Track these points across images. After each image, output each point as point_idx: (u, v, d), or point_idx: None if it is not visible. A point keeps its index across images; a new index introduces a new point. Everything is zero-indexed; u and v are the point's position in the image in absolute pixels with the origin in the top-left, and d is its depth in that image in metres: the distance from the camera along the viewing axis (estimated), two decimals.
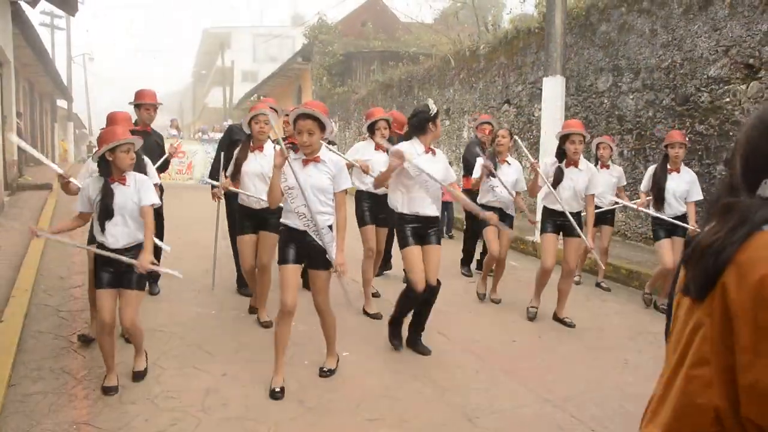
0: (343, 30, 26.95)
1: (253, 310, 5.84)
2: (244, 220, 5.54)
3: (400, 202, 4.90)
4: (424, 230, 4.88)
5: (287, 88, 31.33)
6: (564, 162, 5.75)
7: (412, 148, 4.83)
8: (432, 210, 4.88)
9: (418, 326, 5.03)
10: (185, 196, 13.50)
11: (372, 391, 4.26)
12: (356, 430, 3.71)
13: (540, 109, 9.88)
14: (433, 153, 4.94)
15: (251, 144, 5.55)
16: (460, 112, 14.48)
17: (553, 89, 8.84)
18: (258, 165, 5.44)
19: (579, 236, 5.68)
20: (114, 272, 4.10)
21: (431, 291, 4.87)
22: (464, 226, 8.30)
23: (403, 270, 5.06)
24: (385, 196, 5.36)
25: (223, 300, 6.27)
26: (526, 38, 12.05)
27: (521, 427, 3.81)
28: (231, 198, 6.00)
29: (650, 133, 9.05)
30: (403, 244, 4.87)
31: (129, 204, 4.10)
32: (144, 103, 6.12)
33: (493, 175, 6.28)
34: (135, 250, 4.13)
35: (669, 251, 6.12)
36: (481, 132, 7.82)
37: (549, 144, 8.38)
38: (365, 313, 5.97)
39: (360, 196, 6.21)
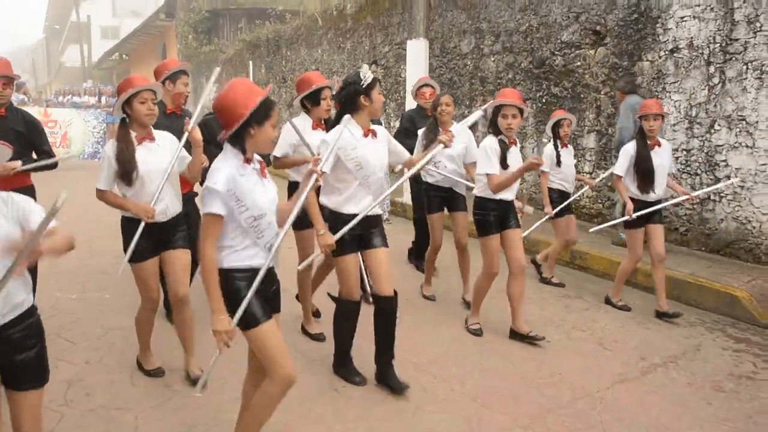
0: None
1: None
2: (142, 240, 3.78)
3: (333, 201, 3.93)
4: (366, 231, 3.95)
5: (151, 46, 29.73)
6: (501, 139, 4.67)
7: (347, 132, 3.71)
8: (375, 208, 3.94)
9: (384, 353, 3.98)
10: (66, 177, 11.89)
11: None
12: (220, 410, 3.66)
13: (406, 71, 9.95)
14: (374, 135, 3.92)
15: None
16: (329, 72, 14.33)
17: (417, 51, 8.92)
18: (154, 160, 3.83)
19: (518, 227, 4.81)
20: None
21: (387, 303, 3.92)
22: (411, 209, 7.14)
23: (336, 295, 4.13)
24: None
25: (86, 282, 5.94)
26: None
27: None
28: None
29: None
30: (338, 252, 3.87)
31: None
32: None
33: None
34: None
35: (641, 242, 5.49)
36: (421, 97, 6.44)
37: (413, 105, 8.46)
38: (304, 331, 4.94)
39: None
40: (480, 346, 4.74)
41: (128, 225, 3.80)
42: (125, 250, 3.75)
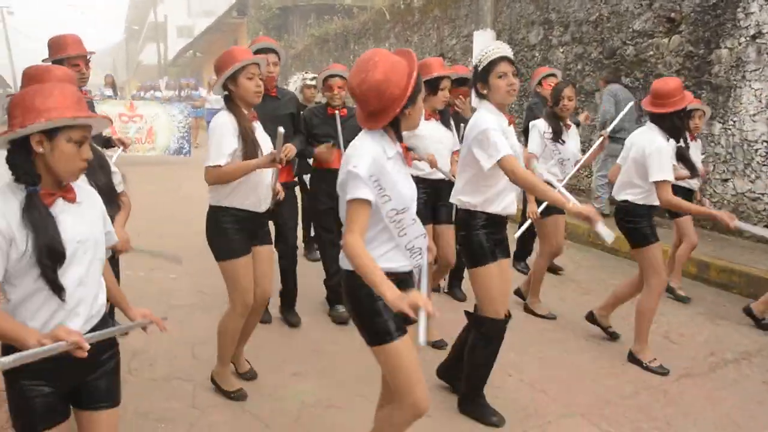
0: None
1: None
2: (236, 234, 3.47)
3: (478, 199, 3.34)
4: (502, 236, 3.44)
5: (223, 43, 30.45)
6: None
7: (495, 118, 3.23)
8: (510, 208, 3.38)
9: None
10: (153, 174, 11.45)
11: (299, 347, 4.25)
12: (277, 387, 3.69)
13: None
14: (512, 123, 3.43)
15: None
16: None
17: (484, 43, 8.79)
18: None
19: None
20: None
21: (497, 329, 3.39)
22: None
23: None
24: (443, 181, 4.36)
25: (153, 262, 6.10)
26: None
27: None
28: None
29: (579, 86, 9.13)
30: (479, 260, 3.33)
31: None
32: (69, 56, 3.82)
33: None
34: None
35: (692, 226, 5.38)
36: (548, 88, 5.92)
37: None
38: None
39: None
40: (540, 335, 4.62)
41: (218, 216, 3.38)
42: (212, 244, 3.43)
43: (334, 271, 4.81)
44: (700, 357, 4.27)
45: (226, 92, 3.38)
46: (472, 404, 3.45)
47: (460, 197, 3.37)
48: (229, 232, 3.36)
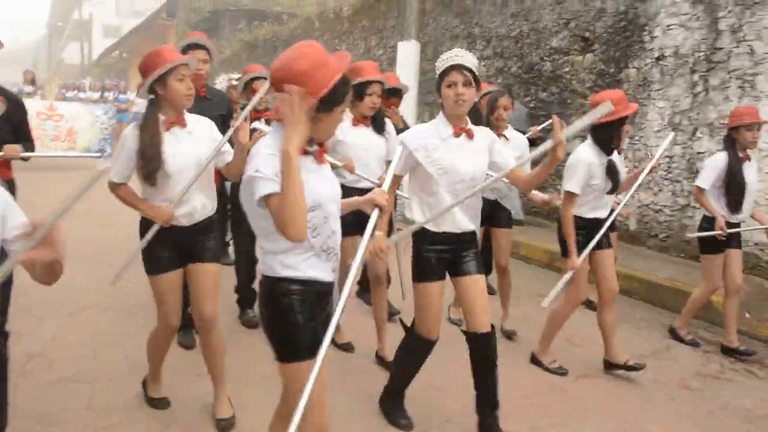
0: None
1: None
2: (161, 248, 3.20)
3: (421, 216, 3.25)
4: (458, 254, 3.28)
5: (151, 45, 29.69)
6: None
7: (432, 129, 3.20)
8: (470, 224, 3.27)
9: (486, 402, 3.30)
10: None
11: None
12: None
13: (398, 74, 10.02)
14: (469, 135, 3.19)
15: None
16: None
17: (408, 53, 9.00)
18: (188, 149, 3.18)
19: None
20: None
21: (484, 341, 3.27)
22: None
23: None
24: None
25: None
26: (388, 2, 12.13)
27: None
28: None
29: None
30: (420, 276, 3.26)
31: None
32: None
33: None
34: None
35: (720, 270, 4.82)
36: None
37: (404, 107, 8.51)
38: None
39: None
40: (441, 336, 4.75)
41: (145, 228, 3.18)
42: (145, 261, 3.22)
43: (245, 278, 4.91)
44: (599, 359, 4.48)
45: (152, 96, 3.09)
46: (389, 404, 3.51)
47: (406, 214, 3.31)
48: (155, 247, 3.14)
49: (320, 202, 2.18)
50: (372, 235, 2.42)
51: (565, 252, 4.06)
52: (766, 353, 4.89)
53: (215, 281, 3.28)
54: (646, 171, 4.51)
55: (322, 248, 2.22)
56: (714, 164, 4.69)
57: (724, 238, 4.61)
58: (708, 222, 4.72)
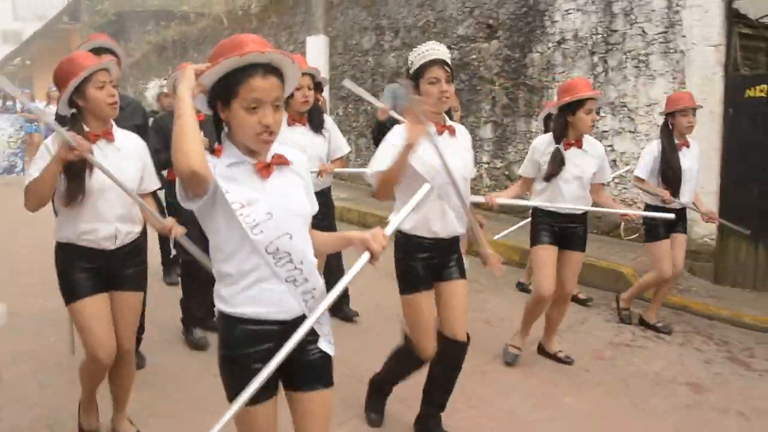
0: None
1: None
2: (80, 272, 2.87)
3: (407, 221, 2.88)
4: (444, 259, 3.13)
5: (55, 51, 28.56)
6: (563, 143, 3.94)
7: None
8: (457, 228, 3.08)
9: (435, 403, 3.26)
10: None
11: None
12: None
13: None
14: (451, 132, 3.01)
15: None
16: None
17: (317, 48, 8.97)
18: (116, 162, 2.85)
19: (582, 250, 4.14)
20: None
21: (458, 350, 3.16)
22: None
23: None
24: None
25: None
26: None
27: None
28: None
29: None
30: (410, 287, 3.05)
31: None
32: None
33: None
34: None
35: (669, 255, 4.78)
36: None
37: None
38: None
39: None
40: (357, 324, 4.80)
41: (66, 253, 2.84)
42: (63, 288, 2.86)
43: (190, 295, 4.49)
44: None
45: (74, 109, 2.78)
46: (372, 395, 3.43)
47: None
48: (73, 271, 2.82)
49: (257, 197, 1.89)
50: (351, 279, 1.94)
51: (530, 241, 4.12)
52: (673, 319, 5.15)
53: (136, 311, 3.03)
54: None
55: (268, 250, 1.89)
56: (650, 152, 4.75)
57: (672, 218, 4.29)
58: (653, 210, 4.58)
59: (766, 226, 5.71)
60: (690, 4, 6.24)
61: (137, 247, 3.02)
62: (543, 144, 4.02)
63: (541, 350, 4.40)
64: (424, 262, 2.98)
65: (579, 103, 3.80)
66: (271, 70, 1.85)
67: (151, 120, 4.76)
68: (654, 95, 6.62)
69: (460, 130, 3.09)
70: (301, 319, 1.89)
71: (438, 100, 2.83)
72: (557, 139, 3.91)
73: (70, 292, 2.82)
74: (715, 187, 6.14)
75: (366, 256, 1.93)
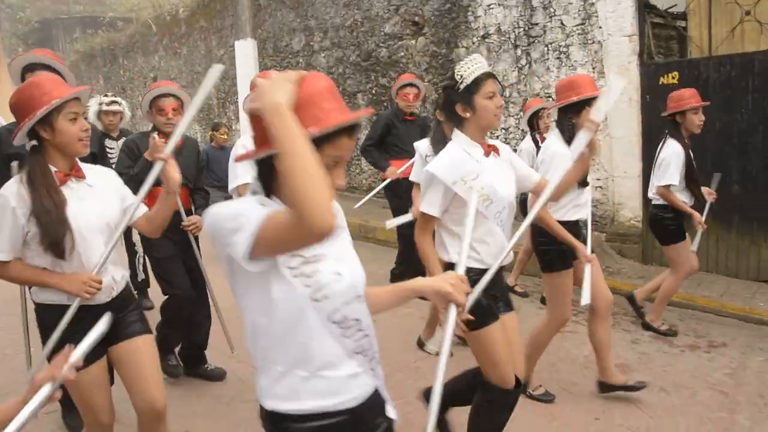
0: None
1: None
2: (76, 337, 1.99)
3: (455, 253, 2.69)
4: (499, 290, 2.85)
5: None
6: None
7: (463, 154, 2.64)
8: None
9: None
10: None
11: None
12: None
13: None
14: (497, 152, 2.72)
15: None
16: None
17: (245, 52, 8.90)
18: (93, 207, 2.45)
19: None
20: None
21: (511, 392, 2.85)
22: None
23: None
24: None
25: None
26: (223, 0, 11.91)
27: None
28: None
29: (342, 88, 9.57)
30: (477, 323, 2.59)
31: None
32: None
33: None
34: None
35: (688, 252, 4.60)
36: (404, 99, 5.44)
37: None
38: None
39: None
40: None
41: (49, 316, 2.37)
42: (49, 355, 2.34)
43: (167, 318, 4.01)
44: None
45: (34, 142, 2.37)
46: None
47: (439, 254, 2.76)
48: (66, 339, 2.21)
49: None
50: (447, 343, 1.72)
51: (544, 261, 3.63)
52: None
53: (154, 356, 2.59)
54: None
55: (354, 351, 1.57)
56: (675, 154, 4.36)
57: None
58: (674, 213, 4.46)
59: None
60: None
61: (128, 288, 2.65)
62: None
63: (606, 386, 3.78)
64: (487, 295, 2.57)
65: (586, 102, 3.37)
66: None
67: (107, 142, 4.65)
68: None
69: (502, 146, 2.81)
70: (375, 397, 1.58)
71: (494, 116, 2.61)
72: (569, 142, 3.35)
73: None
74: (637, 170, 6.38)
75: (453, 311, 1.66)
